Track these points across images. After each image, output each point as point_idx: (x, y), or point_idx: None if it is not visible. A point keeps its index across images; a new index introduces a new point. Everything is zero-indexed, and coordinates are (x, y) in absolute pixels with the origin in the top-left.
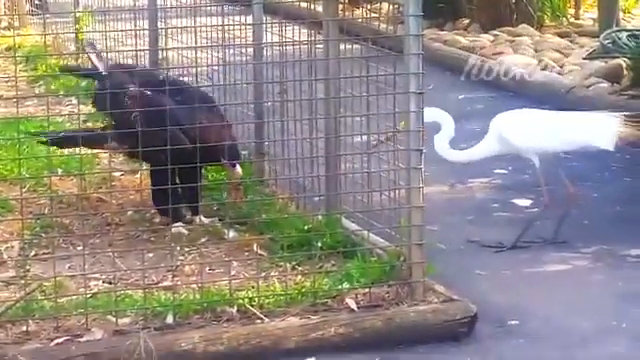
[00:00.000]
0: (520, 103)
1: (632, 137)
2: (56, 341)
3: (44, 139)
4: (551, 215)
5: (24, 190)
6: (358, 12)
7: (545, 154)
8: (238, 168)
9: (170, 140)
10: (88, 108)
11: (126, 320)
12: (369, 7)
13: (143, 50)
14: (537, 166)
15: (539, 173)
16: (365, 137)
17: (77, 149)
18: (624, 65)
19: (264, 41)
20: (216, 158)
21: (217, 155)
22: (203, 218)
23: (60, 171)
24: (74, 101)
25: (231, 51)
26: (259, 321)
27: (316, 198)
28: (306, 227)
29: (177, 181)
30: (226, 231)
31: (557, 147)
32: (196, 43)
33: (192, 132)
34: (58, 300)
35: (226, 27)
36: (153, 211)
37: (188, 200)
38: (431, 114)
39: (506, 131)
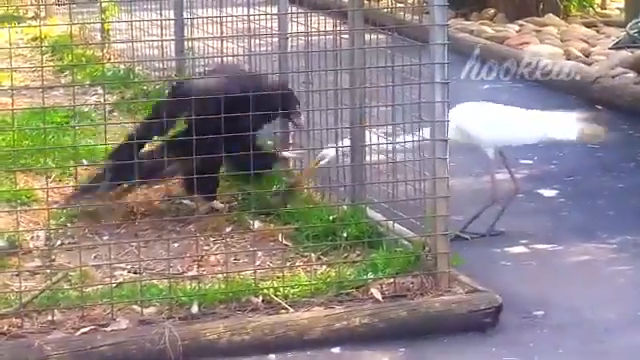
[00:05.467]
0: (545, 93)
1: (589, 136)
2: (81, 330)
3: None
4: (578, 206)
5: (50, 180)
6: (383, 2)
7: (500, 146)
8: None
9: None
10: (114, 98)
11: (151, 310)
12: None
13: (168, 40)
14: (490, 158)
15: (491, 165)
16: (390, 127)
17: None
18: None
19: (289, 31)
20: None
21: None
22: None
23: (86, 161)
24: (100, 91)
25: (257, 41)
26: (284, 311)
27: (341, 188)
28: (331, 217)
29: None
30: (251, 221)
31: (513, 139)
32: (222, 33)
33: None
34: (84, 290)
35: (252, 17)
36: (178, 201)
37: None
38: None
39: (464, 122)
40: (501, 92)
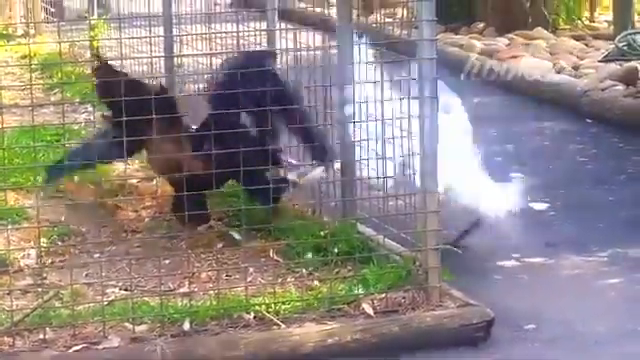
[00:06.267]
0: (534, 106)
1: None
2: (73, 349)
3: None
4: (569, 219)
5: (40, 198)
6: (372, 17)
7: None
8: None
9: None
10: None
11: (143, 327)
12: (383, 12)
13: (158, 57)
14: None
15: None
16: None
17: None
18: (639, 68)
19: (278, 47)
20: None
21: None
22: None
23: (76, 178)
24: (90, 108)
25: None
26: (276, 327)
27: (332, 204)
28: (322, 233)
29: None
30: (238, 236)
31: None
32: (211, 50)
33: None
34: (75, 308)
35: (240, 34)
36: (168, 218)
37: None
38: None
39: None
40: (491, 106)
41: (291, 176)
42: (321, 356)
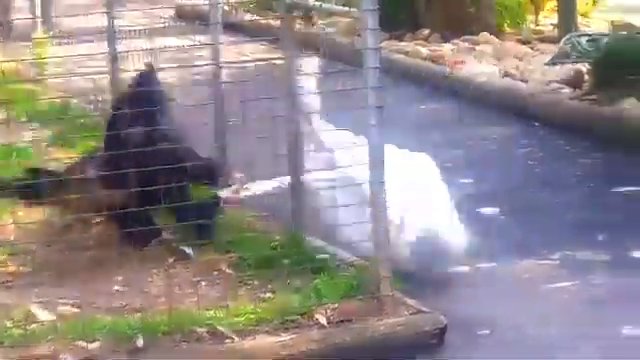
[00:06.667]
0: (482, 111)
1: None
2: None
3: None
4: (518, 223)
5: None
6: (315, 28)
7: None
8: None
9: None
10: (50, 133)
11: (96, 345)
12: (327, 21)
13: (103, 73)
14: None
15: None
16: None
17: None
18: (584, 70)
19: (222, 60)
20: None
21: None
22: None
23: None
24: (36, 126)
25: (191, 71)
26: (229, 340)
27: (283, 215)
28: (273, 244)
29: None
30: (184, 248)
31: None
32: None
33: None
34: (27, 327)
35: (186, 47)
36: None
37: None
38: None
39: None
40: (438, 113)
41: (228, 191)
42: None
